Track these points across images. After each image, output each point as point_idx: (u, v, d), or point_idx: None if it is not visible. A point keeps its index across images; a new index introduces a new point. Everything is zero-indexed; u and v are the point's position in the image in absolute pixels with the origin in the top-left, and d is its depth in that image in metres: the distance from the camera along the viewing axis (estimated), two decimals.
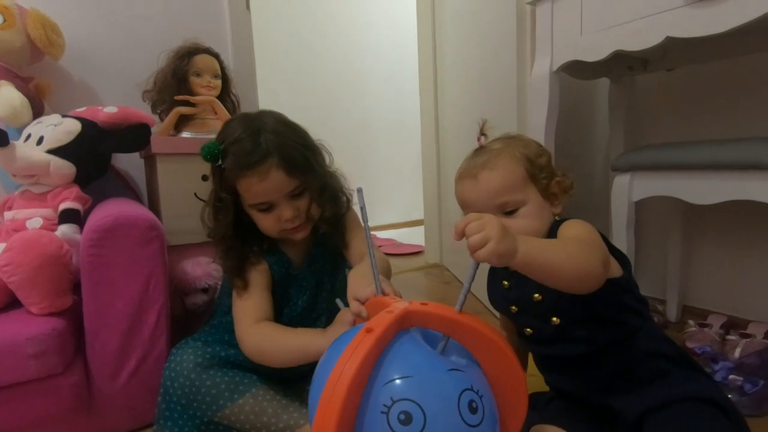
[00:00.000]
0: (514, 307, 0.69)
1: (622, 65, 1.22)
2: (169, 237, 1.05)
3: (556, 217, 0.68)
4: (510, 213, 0.65)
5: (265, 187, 0.75)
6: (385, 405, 0.39)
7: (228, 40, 1.52)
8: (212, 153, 0.75)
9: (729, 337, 1.04)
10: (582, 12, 0.97)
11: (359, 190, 0.56)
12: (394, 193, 3.38)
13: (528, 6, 1.13)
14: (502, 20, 1.25)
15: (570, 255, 0.53)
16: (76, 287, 0.85)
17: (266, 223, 0.79)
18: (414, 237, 2.76)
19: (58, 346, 0.77)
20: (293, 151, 0.76)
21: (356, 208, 0.84)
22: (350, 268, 0.85)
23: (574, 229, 0.63)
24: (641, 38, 0.86)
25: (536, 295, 0.65)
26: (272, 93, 1.76)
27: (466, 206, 0.70)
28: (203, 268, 1.08)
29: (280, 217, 0.77)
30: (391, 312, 0.46)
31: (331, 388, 0.39)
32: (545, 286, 0.55)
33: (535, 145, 0.70)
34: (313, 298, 0.86)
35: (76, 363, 0.82)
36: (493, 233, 0.46)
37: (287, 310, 0.84)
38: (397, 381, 0.41)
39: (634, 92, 1.30)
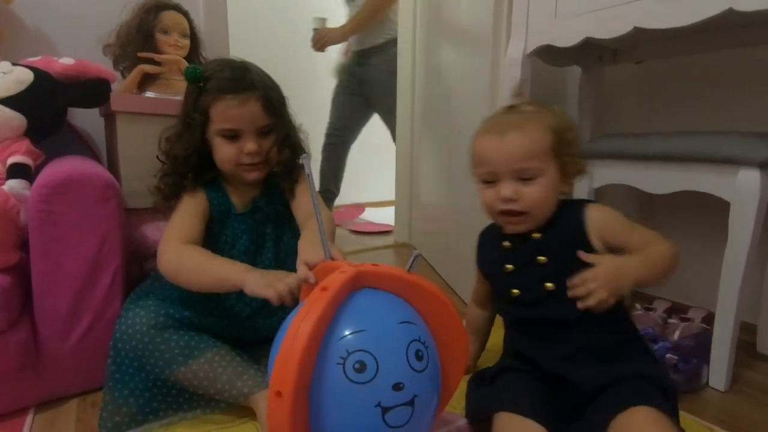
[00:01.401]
0: (510, 266, 0.70)
1: (593, 54, 1.24)
2: (129, 200, 1.01)
3: (562, 196, 0.69)
4: (526, 180, 0.65)
5: (240, 112, 0.78)
6: (341, 357, 0.42)
7: None
8: (196, 73, 0.79)
9: (670, 320, 1.10)
10: None
11: (305, 157, 0.57)
12: (367, 173, 3.37)
13: None
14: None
15: (663, 266, 0.65)
16: (23, 245, 0.81)
17: (227, 151, 0.81)
18: (384, 217, 2.78)
19: (3, 303, 0.74)
20: (273, 93, 0.83)
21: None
22: (298, 230, 0.85)
23: (639, 234, 0.68)
24: (610, 27, 0.88)
25: (541, 257, 0.67)
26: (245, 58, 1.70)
27: (483, 163, 0.68)
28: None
29: (242, 149, 0.80)
30: (344, 272, 0.47)
31: (288, 345, 0.41)
32: (551, 251, 0.65)
33: (565, 121, 0.69)
34: (255, 248, 0.86)
35: (23, 321, 0.79)
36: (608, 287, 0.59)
37: (226, 255, 0.83)
38: (352, 335, 0.44)
39: (603, 82, 1.33)
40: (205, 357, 0.74)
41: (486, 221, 0.78)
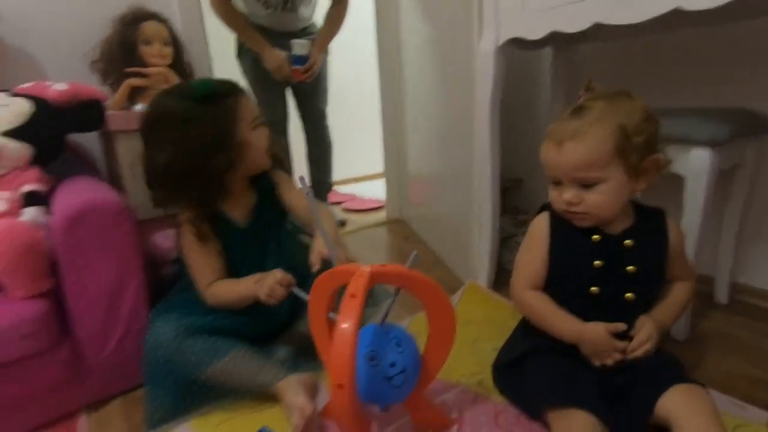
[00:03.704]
0: (599, 262, 0.70)
1: (563, 36, 1.28)
2: (137, 212, 1.08)
3: (637, 194, 0.69)
4: (587, 186, 0.67)
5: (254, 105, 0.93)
6: (365, 353, 0.68)
7: (175, 4, 1.45)
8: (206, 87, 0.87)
9: None
10: None
11: (301, 179, 0.67)
12: (353, 147, 3.39)
13: None
14: None
15: (684, 309, 0.77)
16: (51, 267, 0.87)
17: (263, 136, 0.93)
18: (374, 190, 2.80)
19: (44, 326, 0.82)
20: None
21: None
22: (291, 224, 1.00)
23: (684, 263, 0.76)
24: (573, 21, 0.94)
25: (630, 267, 0.70)
26: (226, 58, 1.70)
27: (546, 168, 0.71)
28: (173, 240, 1.13)
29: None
30: (362, 275, 0.63)
31: (340, 345, 0.57)
32: (639, 260, 0.70)
33: (640, 116, 0.65)
34: (260, 255, 0.97)
35: (63, 339, 0.87)
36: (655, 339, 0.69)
37: (243, 270, 0.94)
38: (367, 344, 0.69)
39: (574, 62, 1.38)
40: (230, 356, 0.85)
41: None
